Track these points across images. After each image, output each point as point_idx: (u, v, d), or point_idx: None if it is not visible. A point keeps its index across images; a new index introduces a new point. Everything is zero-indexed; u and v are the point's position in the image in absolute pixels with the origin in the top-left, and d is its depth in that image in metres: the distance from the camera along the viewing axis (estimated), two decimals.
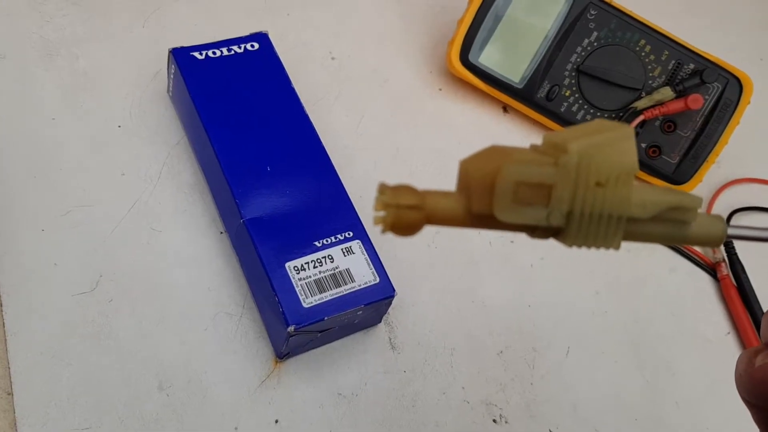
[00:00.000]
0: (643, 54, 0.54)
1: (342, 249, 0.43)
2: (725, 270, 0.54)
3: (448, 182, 0.24)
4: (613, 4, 0.55)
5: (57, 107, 0.50)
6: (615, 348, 0.49)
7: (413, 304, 0.47)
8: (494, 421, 0.45)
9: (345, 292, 0.41)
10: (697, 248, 0.55)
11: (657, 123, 0.55)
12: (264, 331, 0.44)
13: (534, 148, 0.24)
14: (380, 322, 0.46)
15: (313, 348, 0.44)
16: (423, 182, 0.24)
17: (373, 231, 0.44)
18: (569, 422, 0.46)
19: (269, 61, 0.49)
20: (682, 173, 0.55)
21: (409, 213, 0.23)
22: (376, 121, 0.55)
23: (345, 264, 0.42)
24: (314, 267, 0.42)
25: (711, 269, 0.54)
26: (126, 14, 0.56)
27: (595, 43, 0.55)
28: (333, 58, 0.58)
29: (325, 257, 0.42)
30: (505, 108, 0.59)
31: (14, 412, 0.39)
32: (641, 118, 0.54)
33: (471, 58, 0.55)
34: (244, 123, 0.46)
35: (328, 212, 0.44)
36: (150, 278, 0.45)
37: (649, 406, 0.48)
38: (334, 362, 0.44)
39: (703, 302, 0.53)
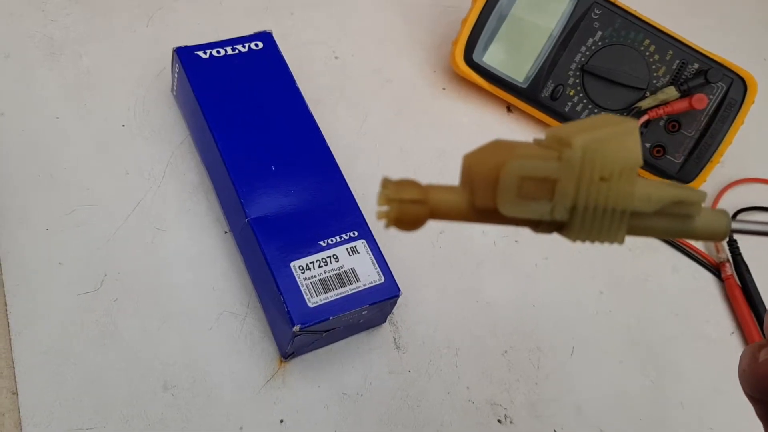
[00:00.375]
0: (647, 54, 0.54)
1: (347, 248, 0.43)
2: (729, 270, 0.54)
3: (451, 182, 0.24)
4: (617, 3, 0.55)
5: (61, 106, 0.50)
6: (619, 348, 0.49)
7: (418, 303, 0.47)
8: (499, 421, 0.45)
9: (350, 292, 0.41)
10: (701, 248, 0.55)
11: (661, 123, 0.55)
12: (269, 330, 0.44)
13: (537, 142, 0.24)
14: (385, 321, 0.46)
15: (318, 348, 0.44)
16: (426, 181, 0.24)
17: (378, 230, 0.44)
18: (574, 422, 0.46)
19: (273, 60, 0.49)
20: (686, 173, 0.55)
21: (412, 207, 0.23)
22: (380, 121, 0.55)
23: (350, 263, 0.42)
24: (319, 266, 0.42)
25: (715, 269, 0.54)
26: (129, 13, 0.56)
27: (600, 43, 0.54)
28: (336, 58, 0.58)
29: (330, 257, 0.42)
30: (509, 107, 0.59)
31: (19, 412, 0.39)
32: (645, 117, 0.54)
33: (475, 57, 0.55)
34: (249, 122, 0.46)
35: (332, 212, 0.44)
36: (154, 278, 0.45)
37: (653, 406, 0.47)
38: (338, 362, 0.44)
39: (708, 302, 0.53)
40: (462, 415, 0.44)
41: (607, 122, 0.23)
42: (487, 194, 0.22)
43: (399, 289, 0.42)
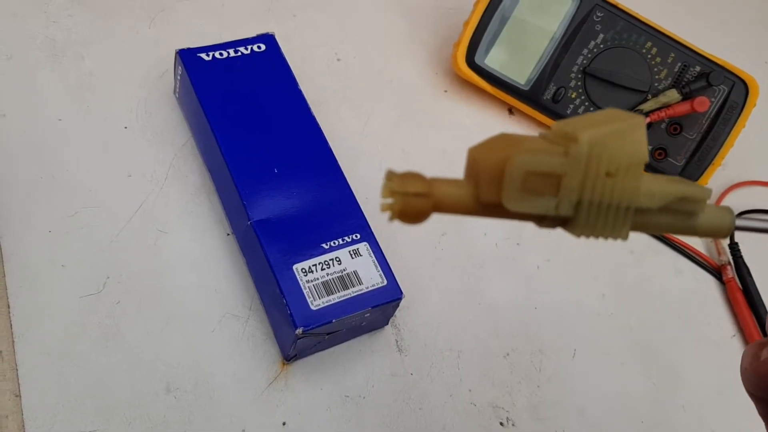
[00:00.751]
0: (649, 56, 0.54)
1: (349, 251, 0.43)
2: (731, 272, 0.54)
3: None
4: (619, 6, 0.55)
5: (63, 108, 0.50)
6: (621, 350, 0.49)
7: (420, 306, 0.47)
8: (501, 424, 0.45)
9: (353, 295, 0.41)
10: (703, 251, 0.55)
11: (663, 125, 0.55)
12: (271, 333, 0.44)
13: (543, 137, 0.23)
14: (387, 324, 0.46)
15: (320, 350, 0.44)
16: None
17: (381, 233, 0.44)
18: (576, 425, 0.46)
19: (276, 62, 0.49)
20: (688, 175, 0.55)
21: (416, 200, 0.22)
22: (382, 123, 0.55)
23: (352, 266, 0.42)
24: (322, 269, 0.42)
25: (716, 272, 0.54)
26: (132, 15, 0.56)
27: (602, 45, 0.55)
28: (339, 60, 0.58)
29: (332, 259, 0.42)
30: (511, 110, 0.59)
31: (22, 414, 0.39)
32: (647, 120, 0.54)
33: (477, 59, 0.55)
34: (251, 124, 0.46)
35: (335, 214, 0.44)
36: (157, 280, 0.45)
37: (655, 408, 0.47)
38: (341, 364, 0.44)
39: (709, 305, 0.53)
40: (464, 418, 0.44)
41: (613, 117, 0.22)
42: (492, 188, 0.22)
43: (401, 292, 0.42)
